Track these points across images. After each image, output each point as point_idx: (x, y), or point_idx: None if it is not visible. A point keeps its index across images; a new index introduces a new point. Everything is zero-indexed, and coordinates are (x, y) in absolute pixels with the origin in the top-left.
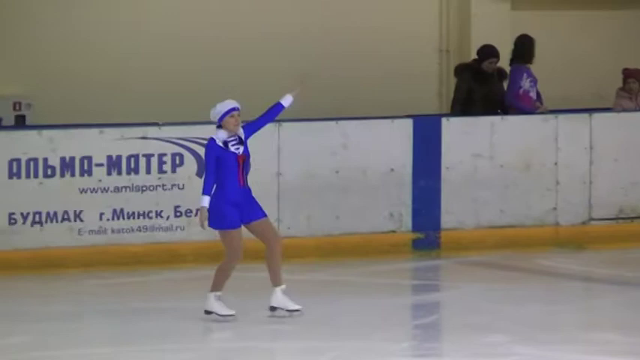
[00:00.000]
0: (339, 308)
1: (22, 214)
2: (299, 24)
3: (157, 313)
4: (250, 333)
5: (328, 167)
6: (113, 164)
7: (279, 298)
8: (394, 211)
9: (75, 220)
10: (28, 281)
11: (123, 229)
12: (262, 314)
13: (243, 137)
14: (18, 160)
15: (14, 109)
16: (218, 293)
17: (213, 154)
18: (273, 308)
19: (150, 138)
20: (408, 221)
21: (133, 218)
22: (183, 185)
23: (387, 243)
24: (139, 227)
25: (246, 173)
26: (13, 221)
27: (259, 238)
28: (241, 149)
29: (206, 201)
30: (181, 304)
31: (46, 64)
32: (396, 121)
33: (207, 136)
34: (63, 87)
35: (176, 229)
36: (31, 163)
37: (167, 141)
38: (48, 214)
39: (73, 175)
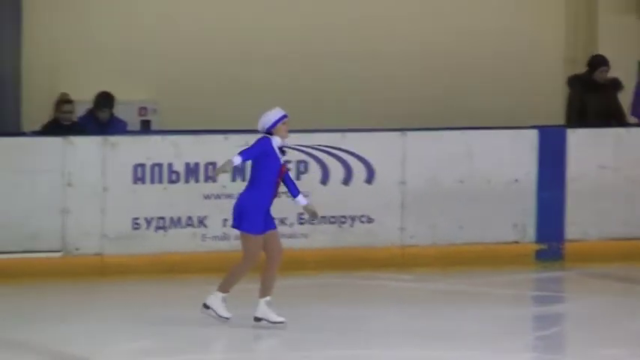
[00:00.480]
0: (460, 318)
1: (145, 219)
2: (428, 32)
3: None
4: (372, 341)
5: (452, 176)
6: (237, 171)
7: (264, 309)
8: (518, 221)
9: (198, 226)
10: (151, 286)
11: None
12: (382, 322)
13: (285, 152)
14: (143, 166)
15: (140, 114)
16: (226, 295)
17: (261, 146)
18: (257, 319)
19: None
20: (531, 232)
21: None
22: (307, 192)
23: (510, 253)
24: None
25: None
26: (136, 226)
27: (266, 247)
28: (283, 159)
29: (237, 160)
30: (301, 311)
31: (171, 70)
32: (522, 131)
33: (332, 144)
34: (188, 92)
35: (299, 237)
36: (156, 169)
37: (291, 148)
38: (172, 219)
39: (197, 180)
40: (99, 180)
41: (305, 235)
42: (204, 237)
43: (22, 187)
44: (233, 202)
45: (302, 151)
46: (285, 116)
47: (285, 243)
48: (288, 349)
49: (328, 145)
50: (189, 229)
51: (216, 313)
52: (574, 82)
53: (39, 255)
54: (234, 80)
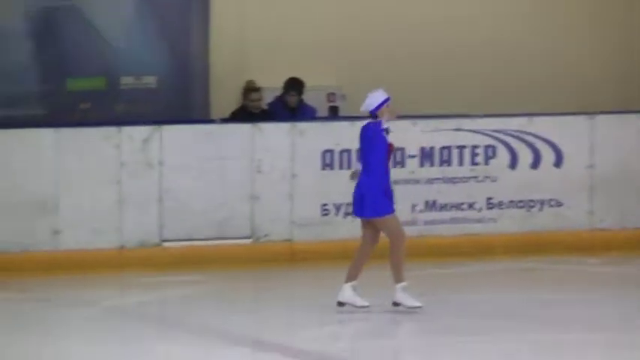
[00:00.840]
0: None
1: (334, 205)
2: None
3: (471, 305)
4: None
5: None
6: (426, 156)
7: (348, 293)
8: None
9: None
10: (340, 273)
11: (435, 220)
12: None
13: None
14: (331, 152)
15: (328, 100)
16: (405, 284)
17: (369, 133)
18: (340, 304)
19: (464, 130)
20: None
21: (445, 210)
22: (495, 177)
23: None
24: (451, 219)
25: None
26: (325, 212)
27: (368, 230)
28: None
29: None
30: (493, 296)
31: (359, 56)
32: None
33: (522, 129)
34: (376, 78)
35: (488, 221)
36: (344, 154)
37: (481, 133)
38: None
39: None
40: (288, 166)
41: (494, 220)
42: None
43: (212, 174)
44: (420, 187)
45: (490, 136)
46: (388, 99)
47: (474, 228)
48: (479, 333)
49: (516, 129)
50: None
51: (406, 306)
52: None
53: (229, 242)
54: (420, 67)
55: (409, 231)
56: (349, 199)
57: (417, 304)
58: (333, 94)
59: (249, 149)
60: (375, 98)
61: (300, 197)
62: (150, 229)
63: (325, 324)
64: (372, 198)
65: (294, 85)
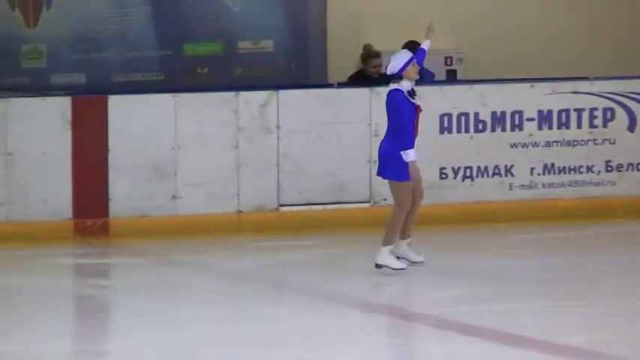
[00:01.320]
0: None
1: (452, 168)
2: None
3: (588, 267)
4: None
5: None
6: (544, 119)
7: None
8: None
9: (505, 175)
10: (458, 236)
11: (553, 183)
12: None
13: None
14: (449, 115)
15: (445, 63)
16: (392, 247)
17: (406, 104)
18: (378, 266)
19: (581, 92)
20: None
21: (564, 173)
22: (614, 140)
23: None
24: (570, 182)
25: (417, 122)
26: (444, 176)
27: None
28: (416, 100)
29: (411, 155)
30: (611, 259)
31: (476, 18)
32: None
33: (638, 90)
34: (493, 41)
35: (607, 184)
36: (462, 118)
37: (599, 95)
38: (479, 168)
39: (503, 129)
40: None
41: (612, 183)
42: (511, 186)
43: (329, 138)
44: (539, 150)
45: (609, 98)
46: (413, 58)
47: (593, 191)
48: (593, 296)
49: (635, 91)
50: (496, 178)
51: (391, 269)
52: None
53: (347, 206)
54: (538, 27)
55: (529, 194)
56: (467, 162)
57: (402, 265)
58: (450, 57)
59: (366, 113)
60: (401, 58)
61: (418, 161)
62: (267, 193)
63: (444, 288)
64: (398, 162)
65: (414, 47)
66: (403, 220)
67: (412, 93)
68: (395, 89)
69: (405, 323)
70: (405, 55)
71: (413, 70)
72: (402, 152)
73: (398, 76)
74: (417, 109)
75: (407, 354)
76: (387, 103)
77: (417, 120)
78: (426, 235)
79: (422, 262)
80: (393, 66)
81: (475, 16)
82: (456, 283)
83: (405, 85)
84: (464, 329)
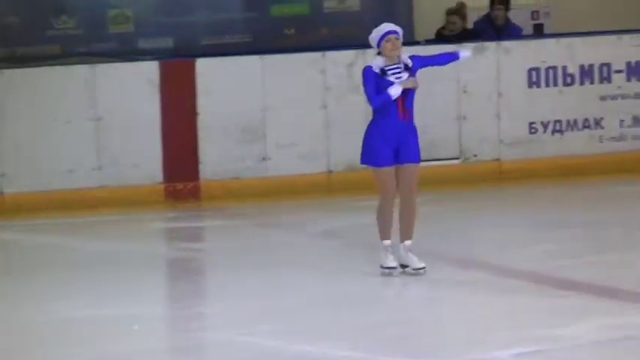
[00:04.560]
0: None
1: (542, 122)
2: None
3: None
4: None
5: None
6: (632, 71)
7: (402, 254)
8: None
9: (595, 128)
10: (549, 190)
11: None
12: None
13: (410, 65)
14: (537, 70)
15: (532, 18)
16: (387, 242)
17: (370, 80)
18: (403, 266)
19: None
20: None
21: None
22: None
23: None
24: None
25: (409, 106)
26: (533, 130)
27: (398, 181)
28: (404, 77)
29: (395, 89)
30: None
31: None
32: None
33: None
34: None
35: None
36: (550, 72)
37: None
38: (568, 122)
39: (592, 82)
40: (494, 86)
41: None
42: (601, 138)
43: (418, 96)
44: (629, 102)
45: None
46: (389, 32)
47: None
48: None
49: None
50: (586, 132)
51: (382, 267)
52: None
53: (438, 163)
54: None
55: (618, 146)
56: (556, 116)
57: (390, 264)
58: (537, 11)
59: (454, 70)
60: (375, 34)
61: (507, 116)
62: (357, 153)
63: (537, 242)
64: (372, 145)
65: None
66: (387, 212)
67: (394, 70)
68: (366, 67)
69: (502, 280)
70: (379, 30)
71: (387, 46)
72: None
73: (378, 53)
74: (405, 90)
75: (506, 308)
76: None
77: (401, 100)
78: (517, 189)
79: (423, 268)
80: (370, 40)
81: None
82: (551, 236)
83: (378, 62)
84: (560, 283)
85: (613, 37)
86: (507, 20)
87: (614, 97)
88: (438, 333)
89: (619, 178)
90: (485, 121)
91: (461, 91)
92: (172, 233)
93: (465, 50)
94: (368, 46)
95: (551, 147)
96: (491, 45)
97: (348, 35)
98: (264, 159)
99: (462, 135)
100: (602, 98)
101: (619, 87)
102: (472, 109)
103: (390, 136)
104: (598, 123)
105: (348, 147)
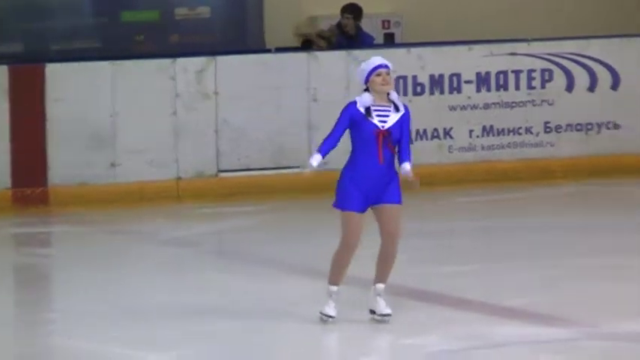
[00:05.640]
0: None
1: None
2: None
3: (529, 230)
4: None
5: None
6: (482, 81)
7: (371, 298)
8: None
9: (445, 138)
10: (407, 199)
11: (492, 145)
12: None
13: (400, 109)
14: None
15: (383, 27)
16: (332, 288)
17: (347, 115)
18: (372, 312)
19: (519, 54)
20: None
21: (503, 135)
22: (552, 101)
23: None
24: (509, 144)
25: (388, 152)
26: None
27: (379, 224)
28: (388, 124)
29: (316, 160)
30: (553, 221)
31: None
32: None
33: (578, 52)
34: (431, 4)
35: (546, 145)
36: (400, 81)
37: (536, 57)
38: (417, 132)
39: (442, 92)
40: (344, 94)
41: (551, 144)
42: (450, 148)
43: (268, 104)
44: (478, 113)
45: (547, 60)
46: (380, 66)
47: (532, 152)
48: (533, 258)
49: (572, 52)
50: (436, 141)
51: (321, 313)
52: None
53: (286, 171)
54: None
55: (468, 157)
56: None
57: (329, 312)
58: (388, 21)
59: (304, 78)
60: (366, 64)
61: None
62: (206, 160)
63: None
64: (343, 187)
65: (351, 8)
66: (345, 260)
67: (380, 111)
68: (350, 103)
69: (347, 288)
70: (371, 62)
71: (377, 80)
72: (314, 155)
73: (366, 89)
74: (376, 132)
75: (351, 319)
76: None
77: (380, 145)
78: None
79: (389, 315)
80: (358, 74)
81: None
82: (401, 246)
83: (365, 99)
84: (408, 293)
85: (463, 48)
86: (359, 29)
87: (463, 108)
88: (285, 340)
89: (468, 188)
90: None
91: (311, 99)
92: (20, 238)
93: (407, 167)
94: (218, 52)
95: None
96: (341, 54)
97: (199, 42)
98: (113, 165)
99: (311, 143)
100: (452, 108)
101: (469, 97)
102: (322, 118)
103: (367, 180)
104: (447, 133)
105: (197, 154)
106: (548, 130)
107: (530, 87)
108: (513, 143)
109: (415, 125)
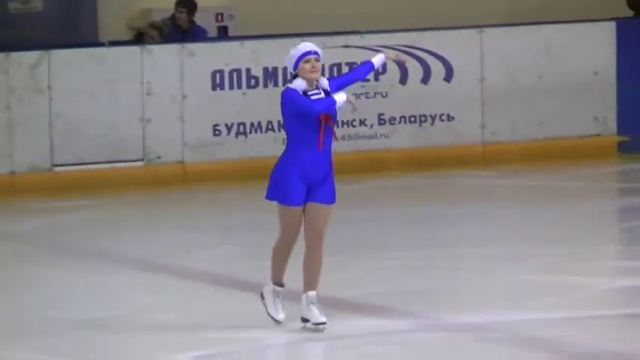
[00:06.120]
0: (544, 213)
1: (226, 125)
2: None
3: (364, 222)
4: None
5: (531, 72)
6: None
7: (303, 306)
8: (598, 114)
9: (279, 131)
10: (234, 192)
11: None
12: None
13: (328, 90)
14: (221, 72)
15: (217, 20)
16: (277, 288)
17: (297, 98)
18: (303, 320)
19: (352, 46)
20: (612, 124)
21: (337, 127)
22: (386, 93)
23: (591, 147)
24: (343, 136)
25: (329, 137)
26: (217, 132)
27: (306, 222)
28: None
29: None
30: (387, 212)
31: None
32: (599, 23)
33: (410, 44)
34: None
35: (380, 137)
36: (234, 74)
37: (369, 49)
38: (252, 124)
39: (276, 85)
40: (178, 88)
41: (385, 136)
42: (284, 141)
43: (102, 97)
44: None
45: (379, 52)
46: (308, 52)
47: (366, 144)
48: (369, 250)
49: (406, 44)
50: (270, 134)
51: (267, 312)
52: None
53: (121, 165)
54: None
55: None
56: (240, 118)
57: (277, 317)
58: (221, 14)
59: (138, 71)
60: (295, 51)
61: (191, 118)
62: (41, 154)
63: (221, 244)
64: (279, 179)
65: (185, 2)
66: (285, 254)
67: (315, 95)
68: (288, 87)
69: (184, 282)
70: (298, 49)
71: (306, 67)
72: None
73: (294, 76)
74: (319, 116)
75: (186, 310)
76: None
77: (322, 130)
78: (202, 191)
79: (324, 323)
80: (286, 61)
81: None
82: (234, 240)
83: (299, 84)
84: (241, 286)
85: (297, 40)
86: (192, 23)
87: None
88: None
89: None
90: (169, 123)
91: (144, 93)
92: None
93: (381, 57)
94: (52, 46)
95: (235, 149)
96: (175, 47)
97: (33, 36)
98: None
99: (145, 136)
100: None
101: None
102: (156, 111)
103: (307, 170)
104: (282, 125)
105: (31, 148)
106: (382, 122)
107: (363, 79)
108: (348, 136)
109: (250, 118)
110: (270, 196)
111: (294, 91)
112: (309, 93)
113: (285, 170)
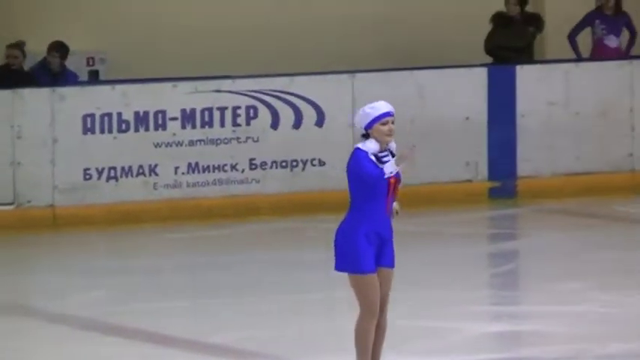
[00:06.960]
0: (415, 258)
1: (97, 169)
2: None
3: (235, 266)
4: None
5: (403, 116)
6: (187, 118)
7: None
8: (470, 160)
9: (150, 175)
10: (105, 237)
11: (198, 182)
12: None
13: (395, 154)
14: (92, 116)
15: (88, 64)
16: None
17: (369, 165)
18: None
19: (224, 91)
20: (484, 170)
21: (208, 172)
22: (257, 138)
23: (463, 192)
24: (215, 180)
25: (392, 201)
26: (88, 177)
27: None
28: (394, 169)
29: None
30: (259, 257)
31: (119, 19)
32: (471, 69)
33: (282, 89)
34: (136, 41)
35: (251, 182)
36: (105, 118)
37: (241, 94)
38: (123, 168)
39: (147, 129)
40: (48, 131)
41: (257, 181)
42: (155, 185)
43: None
44: (183, 150)
45: (251, 97)
46: (387, 114)
47: (238, 189)
48: (240, 295)
49: (277, 89)
50: (141, 178)
51: None
52: (494, 17)
53: None
54: (182, 26)
55: (174, 193)
56: (111, 162)
57: None
58: (92, 57)
59: (8, 115)
60: (371, 110)
61: (61, 162)
62: None
63: (90, 289)
64: (341, 246)
65: (57, 46)
66: (369, 331)
67: (386, 158)
68: (357, 148)
69: (50, 326)
70: (376, 108)
71: (384, 130)
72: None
73: (364, 135)
74: (389, 180)
75: (56, 356)
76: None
77: (390, 195)
78: (73, 236)
79: None
80: (358, 119)
81: (118, 16)
82: (104, 284)
83: (371, 146)
84: (110, 330)
85: (168, 84)
86: (63, 67)
87: (168, 144)
88: None
89: (174, 225)
90: (39, 166)
91: (15, 136)
92: None
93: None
94: None
95: (106, 193)
96: (46, 91)
97: None
98: None
99: (15, 180)
100: (157, 145)
101: (174, 134)
102: (26, 155)
103: (376, 234)
104: (153, 170)
105: None
106: (253, 167)
107: (235, 124)
108: (219, 180)
109: (120, 162)
110: (341, 267)
111: (364, 154)
112: (380, 155)
113: (355, 236)
